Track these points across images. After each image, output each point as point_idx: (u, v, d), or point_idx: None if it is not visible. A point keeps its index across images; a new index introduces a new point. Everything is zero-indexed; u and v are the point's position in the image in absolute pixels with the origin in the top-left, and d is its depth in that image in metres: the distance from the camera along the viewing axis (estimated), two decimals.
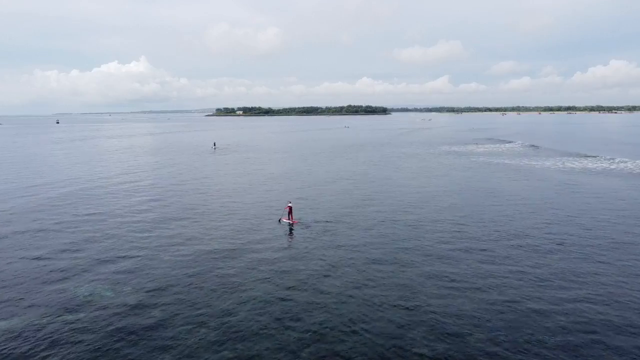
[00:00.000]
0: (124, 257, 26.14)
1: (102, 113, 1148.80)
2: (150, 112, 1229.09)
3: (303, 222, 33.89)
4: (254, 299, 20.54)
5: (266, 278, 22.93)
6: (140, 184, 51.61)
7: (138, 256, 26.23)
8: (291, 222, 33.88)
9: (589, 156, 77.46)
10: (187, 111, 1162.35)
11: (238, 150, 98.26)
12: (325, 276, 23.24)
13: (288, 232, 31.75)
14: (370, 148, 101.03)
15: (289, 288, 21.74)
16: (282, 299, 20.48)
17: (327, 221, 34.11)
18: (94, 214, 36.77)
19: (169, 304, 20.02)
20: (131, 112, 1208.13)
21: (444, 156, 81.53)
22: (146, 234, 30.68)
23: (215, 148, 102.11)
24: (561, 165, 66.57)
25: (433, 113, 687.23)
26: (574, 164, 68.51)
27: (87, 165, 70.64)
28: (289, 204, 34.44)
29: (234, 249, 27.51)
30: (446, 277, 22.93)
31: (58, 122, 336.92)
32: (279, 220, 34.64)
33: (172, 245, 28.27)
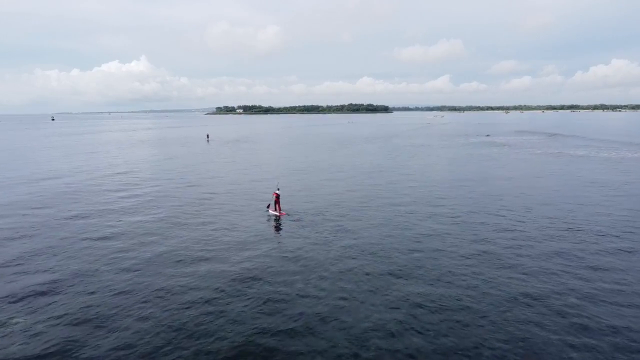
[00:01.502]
0: (49, 271, 19.98)
1: (102, 112, 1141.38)
2: (151, 111, 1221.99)
3: (300, 217, 27.46)
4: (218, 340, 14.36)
5: (240, 310, 16.66)
6: (114, 178, 45.23)
7: (66, 269, 20.13)
8: (278, 214, 27.89)
9: (619, 143, 71.93)
10: (187, 110, 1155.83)
11: (241, 143, 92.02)
12: (322, 318, 17.07)
13: (274, 229, 25.50)
14: (380, 141, 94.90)
15: (270, 328, 15.53)
16: (261, 347, 14.26)
17: (330, 217, 27.81)
18: (41, 214, 30.66)
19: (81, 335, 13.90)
20: (132, 112, 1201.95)
21: (466, 147, 75.38)
22: (92, 243, 24.59)
23: (209, 140, 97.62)
24: (595, 154, 63.17)
25: (435, 112, 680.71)
26: (611, 153, 64.56)
27: (65, 159, 64.61)
28: (276, 191, 28.38)
29: (200, 259, 21.10)
30: (524, 313, 16.70)
31: (53, 119, 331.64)
32: (267, 208, 28.90)
33: (120, 252, 22.15)
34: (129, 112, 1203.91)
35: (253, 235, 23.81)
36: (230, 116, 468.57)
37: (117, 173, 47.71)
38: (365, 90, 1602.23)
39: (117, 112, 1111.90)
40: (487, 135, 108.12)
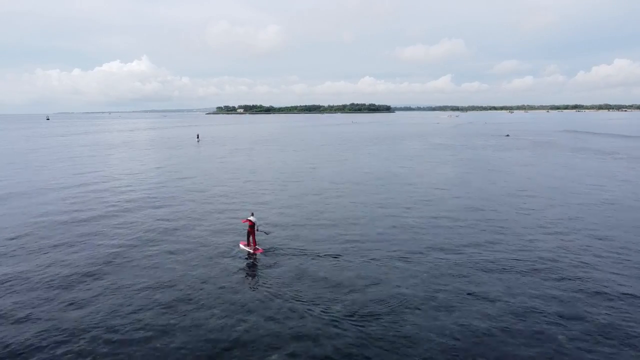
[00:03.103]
0: None
1: (102, 112, 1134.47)
2: (152, 111, 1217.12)
3: (300, 266, 19.18)
4: None
5: None
6: (62, 204, 36.51)
7: None
8: (252, 250, 20.36)
9: None
10: (188, 110, 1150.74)
11: (239, 143, 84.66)
12: None
13: (248, 275, 18.09)
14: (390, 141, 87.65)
15: None
16: None
17: (338, 255, 20.59)
18: None
19: None
20: (132, 111, 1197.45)
21: (505, 150, 68.20)
22: None
23: (199, 140, 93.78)
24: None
25: (436, 112, 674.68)
26: None
27: (23, 170, 57.60)
28: (250, 218, 20.53)
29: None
30: None
31: (48, 119, 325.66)
32: (240, 245, 21.54)
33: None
34: (129, 111, 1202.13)
35: (217, 301, 16.73)
36: (231, 116, 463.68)
37: (71, 196, 33.73)
38: (367, 90, 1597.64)
39: (117, 112, 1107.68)
40: (507, 135, 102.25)
